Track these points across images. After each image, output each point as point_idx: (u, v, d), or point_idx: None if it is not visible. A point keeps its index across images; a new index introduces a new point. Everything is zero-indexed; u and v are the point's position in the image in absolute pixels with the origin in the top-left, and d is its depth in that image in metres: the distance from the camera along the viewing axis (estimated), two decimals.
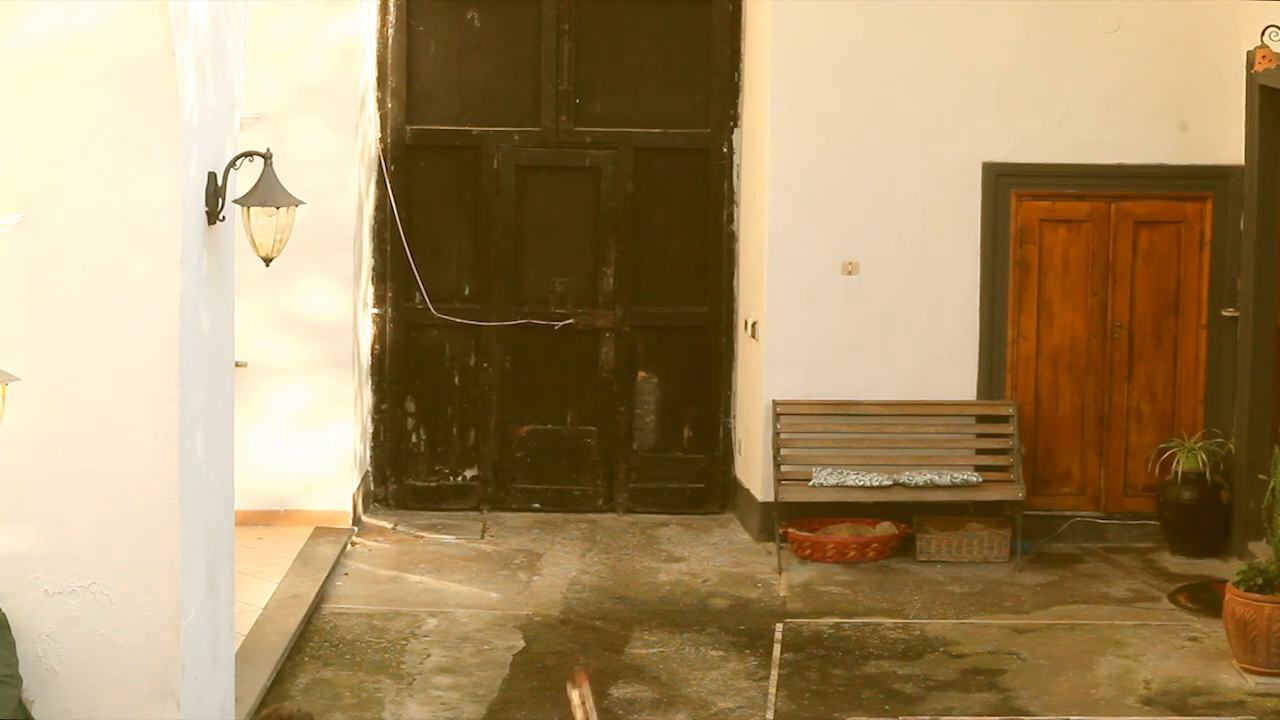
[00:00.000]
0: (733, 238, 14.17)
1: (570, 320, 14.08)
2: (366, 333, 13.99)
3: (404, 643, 11.35)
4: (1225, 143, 13.26)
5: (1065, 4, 13.28)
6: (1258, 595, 10.83)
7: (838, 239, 13.39)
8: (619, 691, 10.70)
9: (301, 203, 9.06)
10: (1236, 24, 13.09)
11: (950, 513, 13.30)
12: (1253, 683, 10.85)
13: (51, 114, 8.04)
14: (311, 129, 13.11)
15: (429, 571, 12.72)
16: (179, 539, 8.31)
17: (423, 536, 13.50)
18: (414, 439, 14.13)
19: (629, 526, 13.80)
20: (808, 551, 13.08)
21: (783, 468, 13.16)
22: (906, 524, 13.24)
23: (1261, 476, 11.84)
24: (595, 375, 14.11)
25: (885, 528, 13.22)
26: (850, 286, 13.42)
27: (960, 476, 13.07)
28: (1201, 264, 13.46)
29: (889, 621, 11.90)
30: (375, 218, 13.97)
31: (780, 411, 13.28)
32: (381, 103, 13.98)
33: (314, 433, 13.32)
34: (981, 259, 13.43)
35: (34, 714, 8.22)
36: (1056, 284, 13.49)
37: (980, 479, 13.14)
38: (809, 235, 13.37)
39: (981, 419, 13.41)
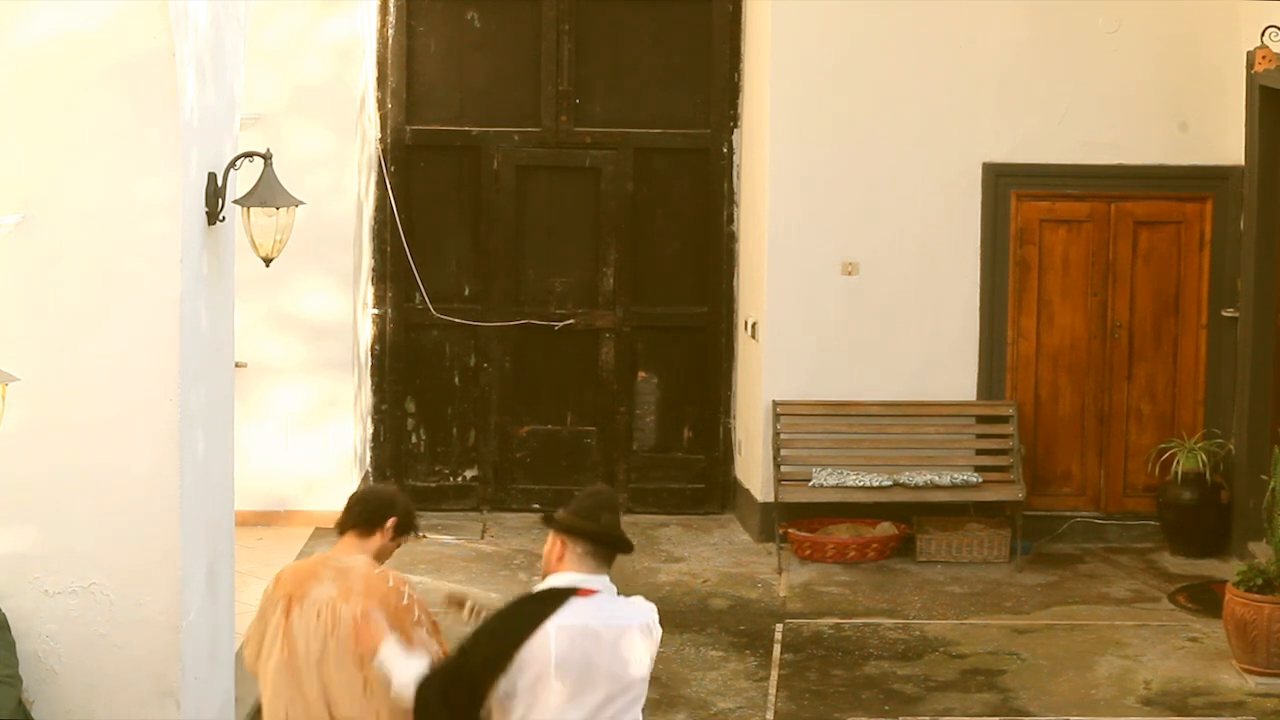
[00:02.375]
0: (733, 238, 14.17)
1: (570, 320, 14.08)
2: (366, 333, 13.99)
3: None
4: (1225, 143, 13.26)
5: (1065, 4, 13.28)
6: (1258, 595, 10.83)
7: (838, 239, 13.39)
8: None
9: (301, 203, 9.05)
10: (1236, 24, 13.09)
11: (950, 513, 13.30)
12: (1253, 683, 10.85)
13: (51, 114, 8.03)
14: (311, 129, 13.11)
15: (429, 571, 12.71)
16: (179, 539, 8.31)
17: (423, 537, 13.49)
18: (414, 439, 14.13)
19: (629, 527, 13.63)
20: (808, 552, 13.08)
21: (783, 468, 13.16)
22: (906, 524, 13.25)
23: (1263, 477, 11.84)
24: (595, 375, 14.10)
25: (885, 528, 13.22)
26: (850, 286, 13.42)
27: (960, 477, 13.08)
28: (1201, 264, 13.46)
29: (889, 622, 11.90)
30: (375, 218, 13.97)
31: (780, 412, 13.28)
32: (381, 103, 13.98)
33: (314, 433, 13.33)
34: (981, 259, 13.43)
35: (34, 714, 8.22)
36: (1056, 284, 13.49)
37: (980, 479, 13.14)
38: (809, 235, 13.37)
39: (981, 419, 13.41)
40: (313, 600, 7.33)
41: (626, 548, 6.98)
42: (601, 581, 6.88)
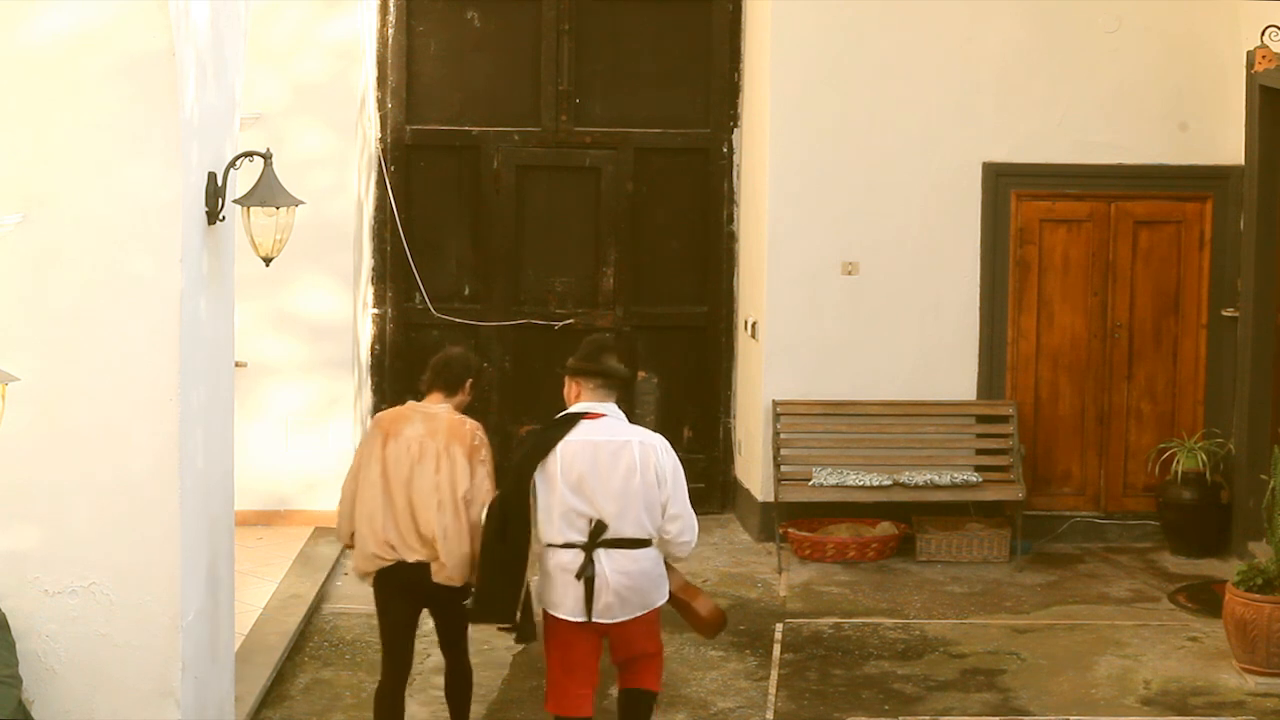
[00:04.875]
0: (733, 238, 14.17)
1: (570, 320, 14.08)
2: (366, 333, 13.99)
3: None
4: (1225, 143, 13.26)
5: (1065, 4, 13.28)
6: (1258, 595, 10.83)
7: (838, 239, 13.39)
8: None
9: (301, 203, 9.06)
10: (1236, 24, 13.09)
11: (950, 513, 13.30)
12: (1253, 683, 10.85)
13: (52, 113, 8.04)
14: (311, 129, 13.11)
15: None
16: (179, 539, 8.31)
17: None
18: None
19: None
20: (808, 551, 13.09)
21: (783, 468, 13.16)
22: (906, 524, 13.25)
23: (1263, 476, 11.84)
24: None
25: (885, 528, 13.23)
26: (850, 286, 13.42)
27: (960, 476, 13.08)
28: (1201, 264, 13.47)
29: (889, 621, 11.90)
30: (375, 218, 13.98)
31: (780, 411, 13.29)
32: (381, 103, 13.98)
33: (314, 432, 13.33)
34: (981, 259, 13.43)
35: (34, 714, 8.22)
36: (1056, 284, 13.49)
37: (980, 479, 13.14)
38: (809, 235, 13.37)
39: (981, 419, 13.41)
40: (405, 436, 9.25)
41: (626, 374, 8.95)
42: (608, 408, 8.88)
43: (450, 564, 9.20)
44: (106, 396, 8.19)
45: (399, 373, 14.10)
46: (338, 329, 13.39)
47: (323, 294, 13.30)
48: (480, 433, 9.37)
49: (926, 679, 10.96)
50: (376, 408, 14.13)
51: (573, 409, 8.89)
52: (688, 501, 8.97)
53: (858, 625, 11.83)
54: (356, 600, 12.09)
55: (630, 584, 8.95)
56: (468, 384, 9.46)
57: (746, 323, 13.91)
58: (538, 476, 8.76)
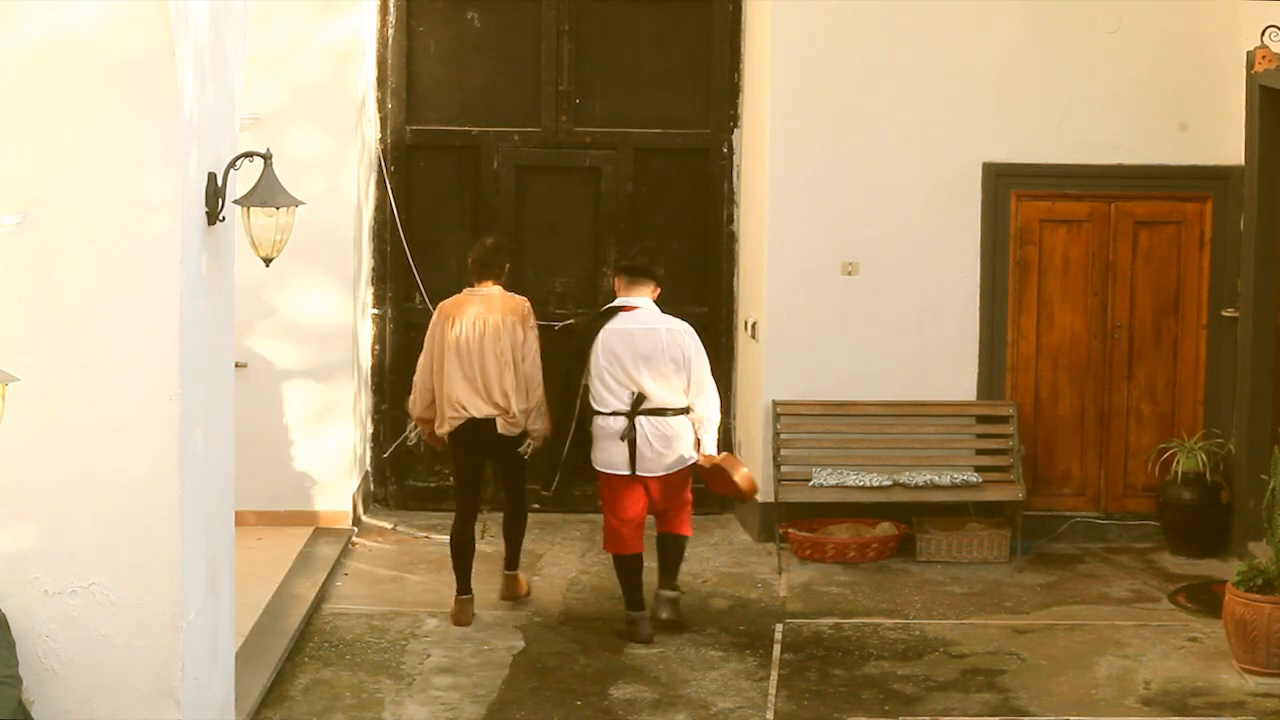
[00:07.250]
0: (733, 238, 14.17)
1: (570, 320, 14.08)
2: (367, 333, 13.99)
3: (404, 643, 11.35)
4: (1225, 143, 13.26)
5: (1065, 4, 13.28)
6: (1258, 595, 10.82)
7: (838, 239, 13.39)
8: (619, 692, 10.70)
9: (301, 203, 9.05)
10: (1236, 24, 13.09)
11: (950, 513, 13.30)
12: (1253, 683, 10.84)
13: (52, 114, 8.04)
14: (311, 130, 13.11)
15: (429, 571, 12.72)
16: (179, 539, 8.31)
17: (423, 537, 13.50)
18: (414, 439, 14.10)
19: None
20: (808, 552, 13.09)
21: (783, 468, 13.16)
22: (906, 524, 13.25)
23: (1263, 476, 11.84)
24: None
25: (885, 528, 13.23)
26: (850, 286, 13.42)
27: (960, 477, 13.08)
28: (1201, 264, 13.47)
29: (889, 621, 11.90)
30: (375, 218, 13.97)
31: (780, 411, 13.29)
32: (381, 103, 13.98)
33: (314, 433, 13.32)
34: (981, 259, 13.43)
35: (34, 714, 8.22)
36: (1056, 284, 13.49)
37: (980, 479, 13.14)
38: (809, 235, 13.37)
39: (981, 419, 13.41)
40: (468, 315, 11.57)
41: (650, 269, 11.49)
42: (641, 301, 11.44)
43: (517, 414, 11.55)
44: (106, 396, 8.19)
45: (400, 372, 14.09)
46: (338, 329, 13.38)
47: (323, 294, 13.29)
48: (528, 304, 11.71)
49: (926, 679, 10.96)
50: (376, 408, 14.15)
51: (613, 303, 11.42)
52: (708, 378, 11.32)
53: (858, 625, 11.83)
54: (356, 600, 12.10)
55: (664, 445, 11.18)
56: (507, 266, 11.74)
57: (746, 323, 13.90)
58: (591, 358, 11.22)
